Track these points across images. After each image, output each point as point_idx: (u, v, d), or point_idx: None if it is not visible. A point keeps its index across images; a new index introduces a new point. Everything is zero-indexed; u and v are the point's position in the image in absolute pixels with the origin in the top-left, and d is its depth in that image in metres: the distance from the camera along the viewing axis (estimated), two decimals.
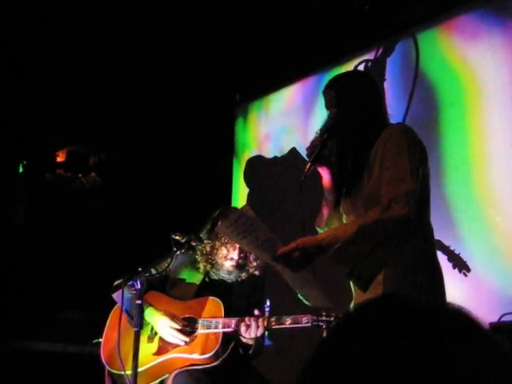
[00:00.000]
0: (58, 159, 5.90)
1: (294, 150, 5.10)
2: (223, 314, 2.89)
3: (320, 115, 2.42)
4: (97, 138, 5.84)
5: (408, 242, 2.08)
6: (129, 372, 2.55)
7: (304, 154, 2.36)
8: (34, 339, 4.64)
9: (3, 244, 5.30)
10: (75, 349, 4.55)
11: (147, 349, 2.91)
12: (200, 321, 2.91)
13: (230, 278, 3.11)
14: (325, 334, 2.52)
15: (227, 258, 3.07)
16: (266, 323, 2.77)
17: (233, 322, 2.84)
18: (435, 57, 4.22)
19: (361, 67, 4.66)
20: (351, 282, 2.20)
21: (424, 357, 0.62)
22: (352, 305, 2.23)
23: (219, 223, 2.78)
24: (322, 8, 4.53)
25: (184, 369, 2.84)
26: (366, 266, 2.02)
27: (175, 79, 5.38)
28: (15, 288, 5.15)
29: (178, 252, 2.82)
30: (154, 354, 2.92)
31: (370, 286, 2.06)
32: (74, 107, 5.45)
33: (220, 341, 2.84)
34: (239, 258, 3.05)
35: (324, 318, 2.58)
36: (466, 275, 3.66)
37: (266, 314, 2.81)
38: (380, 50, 4.60)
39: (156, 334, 2.96)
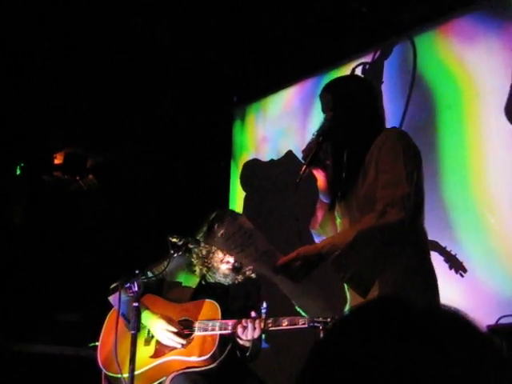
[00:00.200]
0: (56, 161, 5.89)
1: (290, 153, 5.10)
2: (220, 317, 2.89)
3: (318, 118, 2.43)
4: (94, 140, 5.83)
5: (403, 245, 2.09)
6: (126, 375, 2.55)
7: (300, 156, 2.37)
8: (32, 341, 4.63)
9: (1, 246, 5.29)
10: (73, 351, 4.54)
11: (144, 352, 2.90)
12: (197, 323, 2.91)
13: (227, 281, 3.10)
14: (322, 335, 2.52)
15: (223, 262, 3.06)
16: (262, 325, 2.77)
17: (229, 323, 2.83)
18: (433, 59, 4.22)
19: (358, 70, 4.66)
20: (346, 286, 2.21)
21: (421, 359, 0.63)
22: (347, 307, 2.24)
23: (216, 237, 2.81)
24: (320, 10, 4.53)
25: (181, 371, 2.84)
26: (365, 272, 2.02)
27: (173, 81, 5.38)
28: (13, 290, 5.14)
29: (176, 254, 2.82)
30: (151, 357, 2.92)
31: None
32: (72, 108, 5.44)
33: (217, 343, 2.83)
34: (235, 261, 3.05)
35: (321, 319, 2.58)
36: (462, 276, 3.67)
37: (263, 315, 2.81)
38: (377, 53, 4.60)
39: (153, 337, 2.96)
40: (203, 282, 3.12)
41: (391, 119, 4.30)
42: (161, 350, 2.92)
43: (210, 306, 2.94)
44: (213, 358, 2.84)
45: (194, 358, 2.84)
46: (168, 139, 5.72)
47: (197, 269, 3.10)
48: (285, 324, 2.73)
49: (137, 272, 2.67)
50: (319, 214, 2.38)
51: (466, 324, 0.68)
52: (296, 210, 2.07)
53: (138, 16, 4.71)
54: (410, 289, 2.06)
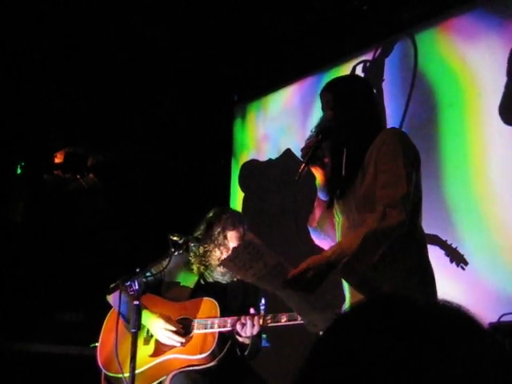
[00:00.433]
0: (56, 160, 5.89)
1: (288, 151, 5.10)
2: (219, 314, 2.88)
3: (318, 116, 2.44)
4: (95, 139, 5.83)
5: (404, 245, 2.11)
6: (127, 375, 2.55)
7: (299, 154, 2.37)
8: (33, 341, 4.63)
9: (1, 245, 5.29)
10: (74, 351, 4.54)
11: (143, 351, 2.90)
12: (195, 321, 2.91)
13: (225, 279, 3.09)
14: (321, 333, 2.51)
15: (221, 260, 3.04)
16: (261, 321, 2.77)
17: (228, 321, 2.83)
18: (434, 57, 4.21)
19: (359, 68, 4.65)
20: (344, 283, 2.22)
21: (423, 356, 0.62)
22: (347, 305, 2.24)
23: (222, 257, 2.81)
24: (321, 9, 4.52)
25: (181, 370, 2.83)
26: (374, 277, 2.06)
27: (173, 80, 5.38)
28: (13, 289, 5.14)
29: (176, 253, 2.82)
30: (151, 356, 2.92)
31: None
32: (73, 107, 5.44)
33: (216, 340, 2.83)
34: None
35: None
36: (463, 269, 3.67)
37: (262, 312, 2.80)
38: (378, 51, 4.59)
39: (152, 336, 2.95)
40: (202, 282, 3.11)
41: (392, 117, 4.30)
42: (160, 348, 2.92)
43: (208, 304, 2.94)
44: (212, 356, 2.84)
45: (194, 356, 2.84)
46: (168, 138, 5.72)
47: (194, 267, 3.09)
48: (284, 320, 2.73)
49: (137, 270, 2.67)
50: (317, 212, 2.40)
51: (467, 321, 0.68)
52: (295, 208, 2.07)
53: (137, 16, 4.71)
54: (408, 287, 2.08)
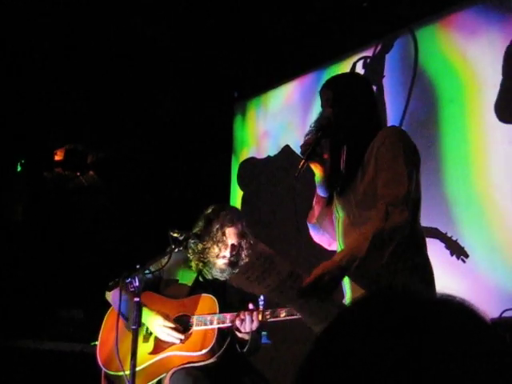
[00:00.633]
0: (56, 158, 5.88)
1: (287, 148, 5.10)
2: (217, 310, 2.88)
3: (318, 112, 2.43)
4: (95, 137, 5.83)
5: (404, 243, 2.11)
6: (127, 372, 2.55)
7: (299, 151, 2.38)
8: (33, 338, 4.63)
9: (2, 243, 5.29)
10: (75, 347, 4.54)
11: (143, 348, 2.89)
12: (194, 318, 2.90)
13: (223, 276, 3.07)
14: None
15: (219, 257, 3.03)
16: (260, 316, 2.77)
17: (227, 317, 2.83)
18: (434, 53, 4.20)
19: (359, 64, 4.64)
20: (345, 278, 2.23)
21: (423, 356, 0.61)
22: (347, 300, 2.25)
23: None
24: (321, 5, 4.51)
25: (181, 367, 2.83)
26: (383, 276, 2.07)
27: (173, 77, 5.38)
28: (14, 287, 5.14)
29: (176, 249, 2.81)
30: (150, 354, 2.91)
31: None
32: (73, 106, 5.44)
33: (216, 337, 2.83)
34: (231, 255, 3.02)
35: None
36: (464, 261, 3.67)
37: (261, 307, 2.80)
38: (378, 47, 4.58)
39: (151, 333, 2.95)
40: (200, 279, 3.11)
41: (393, 113, 4.30)
42: (160, 346, 2.91)
43: (207, 301, 2.93)
44: (212, 352, 2.84)
45: (194, 353, 2.84)
46: (169, 135, 5.72)
47: (193, 264, 3.08)
48: (283, 315, 2.73)
49: (138, 267, 2.66)
50: (316, 208, 2.40)
51: (470, 317, 0.67)
52: (294, 204, 2.06)
53: (137, 16, 4.71)
54: (408, 285, 2.09)
